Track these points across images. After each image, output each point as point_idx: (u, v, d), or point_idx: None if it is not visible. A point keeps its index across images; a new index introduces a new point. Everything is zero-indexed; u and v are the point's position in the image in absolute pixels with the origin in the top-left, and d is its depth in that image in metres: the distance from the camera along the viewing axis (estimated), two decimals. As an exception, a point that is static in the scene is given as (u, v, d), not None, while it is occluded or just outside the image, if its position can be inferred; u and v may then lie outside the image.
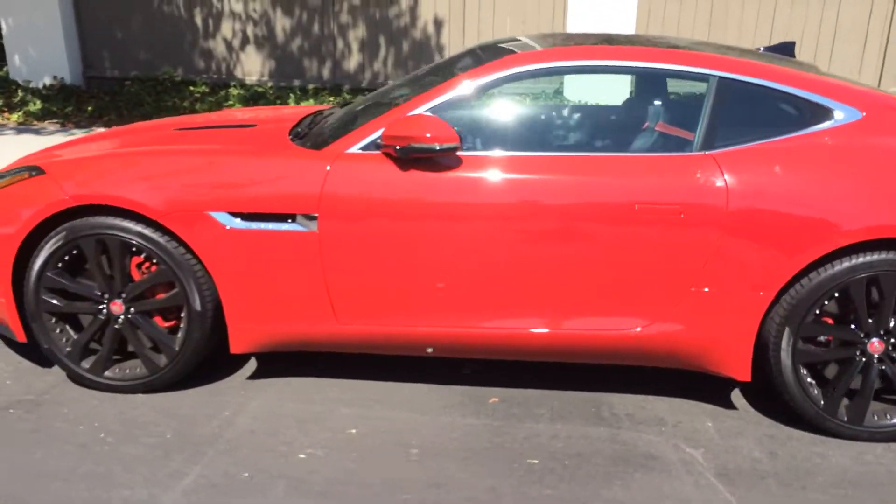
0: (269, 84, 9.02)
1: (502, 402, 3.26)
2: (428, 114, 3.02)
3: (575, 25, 8.26)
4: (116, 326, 3.22)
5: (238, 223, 3.04)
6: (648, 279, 2.94)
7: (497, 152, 3.04)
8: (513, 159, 3.01)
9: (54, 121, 8.30)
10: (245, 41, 9.01)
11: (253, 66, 9.09)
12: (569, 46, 3.20)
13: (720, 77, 3.02)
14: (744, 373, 3.00)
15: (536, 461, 2.85)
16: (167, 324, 3.25)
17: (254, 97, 8.66)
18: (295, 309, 3.13)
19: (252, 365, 3.52)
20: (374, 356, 3.43)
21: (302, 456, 2.87)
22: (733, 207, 2.85)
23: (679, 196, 2.87)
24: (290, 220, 3.03)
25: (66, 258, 3.16)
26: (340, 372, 3.44)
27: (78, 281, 3.20)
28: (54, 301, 3.21)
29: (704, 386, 3.35)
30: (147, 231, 3.08)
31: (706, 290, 2.93)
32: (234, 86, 9.03)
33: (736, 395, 3.34)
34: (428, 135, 2.87)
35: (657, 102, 3.24)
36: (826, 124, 2.95)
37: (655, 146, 3.17)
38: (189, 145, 3.39)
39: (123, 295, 3.19)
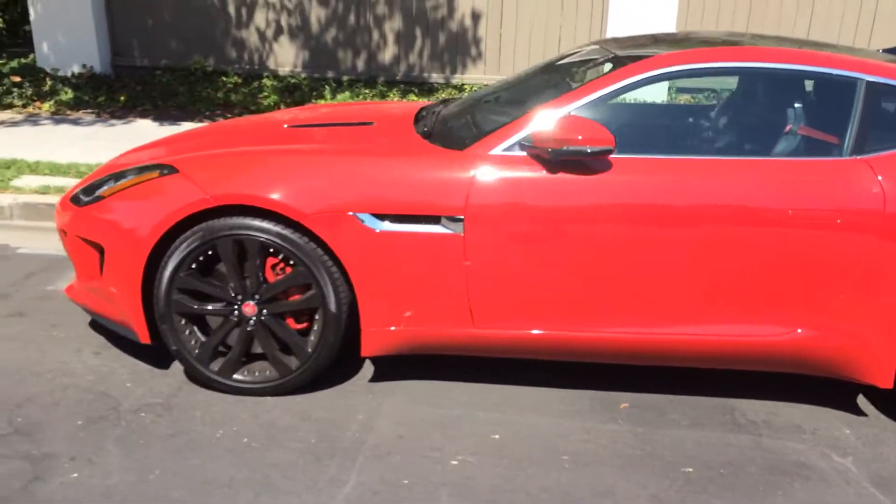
0: (303, 75, 8.92)
1: (633, 408, 3.24)
2: (576, 115, 2.97)
3: (616, 18, 8.24)
4: (249, 328, 3.16)
5: (382, 225, 2.99)
6: (798, 285, 2.94)
7: (646, 154, 3.02)
8: (663, 162, 2.99)
9: (88, 110, 8.15)
10: (279, 31, 8.90)
11: (286, 57, 8.98)
12: (716, 48, 3.18)
13: (869, 81, 3.01)
14: (886, 380, 3.00)
15: (691, 469, 2.84)
16: (298, 326, 3.19)
17: (289, 88, 8.56)
18: (432, 312, 3.09)
19: (368, 367, 3.47)
20: (491, 360, 3.39)
21: (454, 462, 2.84)
22: (890, 212, 2.84)
23: (835, 202, 2.87)
24: (434, 223, 2.98)
25: (201, 259, 3.09)
26: (460, 375, 3.41)
27: (211, 282, 3.13)
28: (186, 302, 3.14)
29: (827, 391, 3.35)
30: (286, 232, 3.02)
31: (857, 296, 2.92)
32: (268, 76, 8.92)
33: (863, 402, 3.34)
34: (582, 137, 2.84)
35: (797, 105, 3.23)
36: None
37: (801, 150, 3.15)
38: (324, 145, 3.33)
39: (257, 296, 3.13)
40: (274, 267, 3.15)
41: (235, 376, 3.22)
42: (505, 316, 3.08)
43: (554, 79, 3.51)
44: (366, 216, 3.00)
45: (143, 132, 7.16)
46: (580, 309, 3.04)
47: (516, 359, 3.37)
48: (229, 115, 7.92)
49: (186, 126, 7.47)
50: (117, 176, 3.32)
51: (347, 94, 8.41)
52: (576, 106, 3.04)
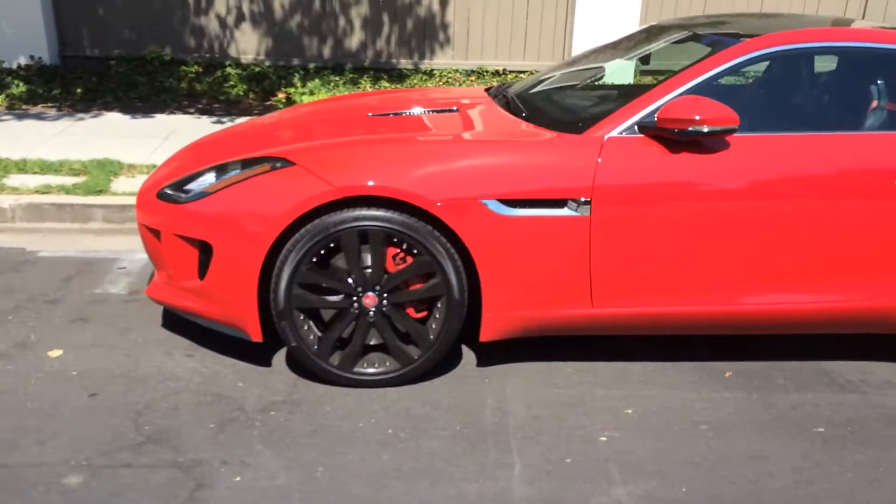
0: (267, 63, 8.70)
1: (736, 376, 3.39)
2: (696, 95, 3.06)
3: (584, 3, 8.39)
4: (370, 320, 3.12)
5: (508, 210, 3.01)
6: None
7: (763, 132, 3.14)
8: (777, 139, 3.12)
9: (46, 104, 7.72)
10: (240, 17, 8.65)
11: (249, 45, 8.74)
12: (821, 28, 3.33)
13: None
14: None
15: (822, 429, 3.00)
16: (418, 315, 3.18)
17: (255, 77, 8.34)
18: (553, 293, 3.14)
19: (468, 354, 3.47)
20: (591, 337, 3.46)
21: (603, 439, 2.91)
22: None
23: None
24: (560, 206, 3.02)
25: (322, 252, 3.03)
26: (564, 355, 3.48)
27: (331, 275, 3.08)
28: (307, 297, 3.07)
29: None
30: (411, 221, 3.00)
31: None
32: (230, 65, 8.67)
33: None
34: (709, 116, 2.93)
35: (880, 82, 3.41)
36: None
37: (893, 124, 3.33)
38: (435, 133, 3.31)
39: (378, 287, 3.09)
40: (394, 257, 3.11)
41: (355, 369, 3.17)
42: (625, 294, 3.16)
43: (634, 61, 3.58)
44: (493, 202, 3.01)
45: (115, 126, 6.86)
46: (696, 284, 3.14)
47: (618, 335, 3.44)
48: (199, 106, 7.66)
49: (161, 118, 7.20)
50: (219, 170, 3.20)
51: (317, 81, 8.26)
52: (689, 86, 3.13)
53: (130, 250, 4.55)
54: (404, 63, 8.83)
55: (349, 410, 3.03)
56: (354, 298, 3.10)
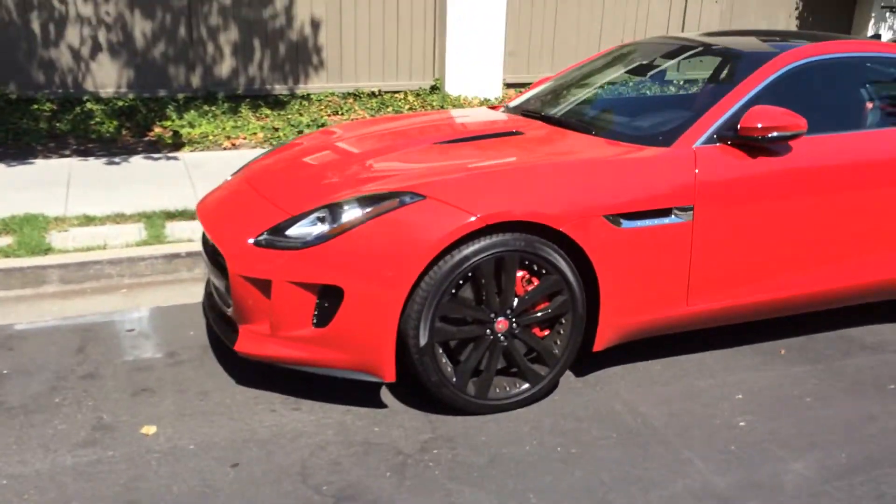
0: (131, 96, 8.14)
1: (790, 352, 3.82)
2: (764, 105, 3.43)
3: (454, 23, 8.71)
4: (504, 345, 3.18)
5: (624, 223, 3.20)
6: None
7: (825, 132, 3.56)
8: (832, 138, 3.56)
9: None
10: (96, 48, 8.02)
11: (107, 77, 8.13)
12: (851, 41, 3.82)
13: None
14: None
15: (893, 386, 3.48)
16: (542, 334, 3.28)
17: (125, 112, 7.77)
18: (656, 297, 3.38)
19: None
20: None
21: (742, 424, 3.19)
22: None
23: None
24: (666, 215, 3.27)
25: (461, 282, 3.05)
26: (645, 354, 3.71)
27: (468, 304, 3.10)
28: (447, 330, 3.07)
29: None
30: (542, 242, 3.10)
31: None
32: (89, 100, 8.01)
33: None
34: (784, 123, 3.32)
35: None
36: None
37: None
38: (536, 157, 3.39)
39: (509, 312, 3.16)
40: (521, 280, 3.18)
41: (489, 395, 3.20)
42: (715, 290, 3.46)
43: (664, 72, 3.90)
44: (611, 217, 3.18)
45: None
46: (778, 274, 3.52)
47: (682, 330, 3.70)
48: (75, 147, 7.01)
49: (42, 164, 6.53)
50: (331, 210, 3.09)
51: (193, 113, 7.87)
52: (749, 97, 3.49)
53: (118, 310, 4.18)
54: (279, 89, 8.63)
55: (504, 437, 3.06)
56: (488, 326, 3.12)
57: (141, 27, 8.03)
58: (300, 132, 7.58)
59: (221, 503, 2.65)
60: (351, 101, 8.65)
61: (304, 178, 3.51)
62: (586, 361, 3.56)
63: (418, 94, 8.95)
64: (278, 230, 3.13)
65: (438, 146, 3.65)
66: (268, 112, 8.13)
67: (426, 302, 2.97)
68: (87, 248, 4.73)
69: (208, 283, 3.91)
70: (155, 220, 5.19)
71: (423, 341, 3.01)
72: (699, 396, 3.37)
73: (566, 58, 9.49)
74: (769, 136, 3.31)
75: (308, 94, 8.65)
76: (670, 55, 4.24)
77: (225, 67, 8.41)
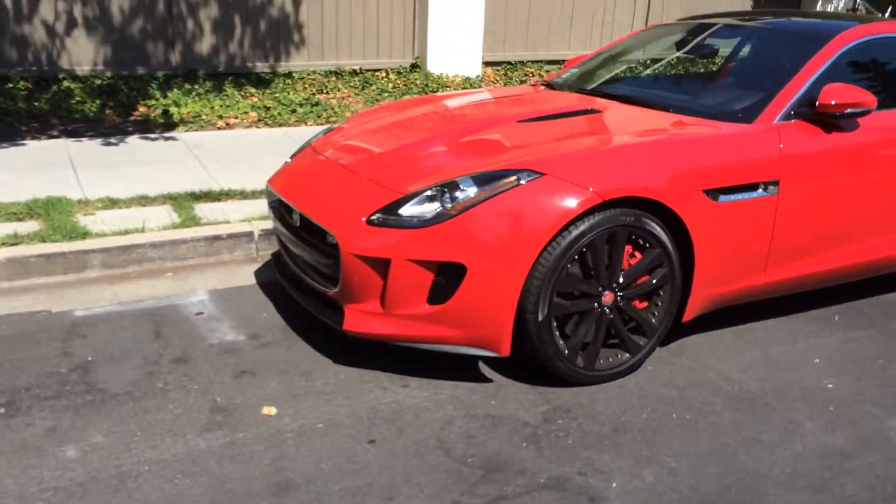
0: (108, 74, 7.87)
1: (841, 318, 4.06)
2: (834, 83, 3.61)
3: (435, 2, 8.71)
4: (610, 317, 3.29)
5: (719, 197, 3.35)
6: None
7: (887, 108, 3.76)
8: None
9: None
10: (72, 24, 7.70)
11: (83, 54, 7.82)
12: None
13: None
14: None
15: None
16: (640, 305, 3.40)
17: (103, 91, 7.51)
18: (741, 268, 3.55)
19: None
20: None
21: (830, 385, 3.40)
22: None
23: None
24: (753, 189, 3.43)
25: (575, 258, 3.14)
26: (700, 325, 3.84)
27: (580, 279, 3.19)
28: (562, 304, 3.16)
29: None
30: (649, 218, 3.22)
31: None
32: (65, 78, 7.70)
33: None
34: (859, 100, 3.51)
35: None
36: None
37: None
38: (633, 136, 3.47)
39: (614, 285, 3.27)
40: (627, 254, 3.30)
41: (596, 366, 3.31)
42: (792, 261, 3.65)
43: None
44: (710, 192, 3.32)
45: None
46: (848, 242, 3.73)
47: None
48: (62, 128, 6.77)
49: (36, 146, 6.28)
50: (446, 189, 3.12)
51: (177, 92, 7.68)
52: (819, 73, 3.66)
53: (175, 294, 4.13)
54: (260, 66, 8.47)
55: (617, 406, 3.18)
56: (596, 299, 3.22)
57: (118, 2, 7.74)
58: (293, 111, 7.49)
59: (373, 477, 2.67)
60: (334, 79, 8.56)
61: (399, 155, 3.52)
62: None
63: (399, 73, 8.93)
64: (392, 209, 3.14)
65: (524, 124, 3.71)
66: (252, 90, 7.98)
67: (545, 277, 3.04)
68: (125, 232, 4.60)
69: (282, 264, 3.87)
70: (182, 202, 5.08)
71: (541, 316, 3.08)
72: (779, 362, 3.55)
73: (540, 37, 9.62)
74: (845, 112, 3.50)
75: (290, 72, 8.51)
76: (719, 34, 4.40)
77: (205, 44, 8.20)
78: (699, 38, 4.50)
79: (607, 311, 3.25)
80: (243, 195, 5.33)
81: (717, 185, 3.31)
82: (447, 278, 3.06)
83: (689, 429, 3.02)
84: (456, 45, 8.93)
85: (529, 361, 3.23)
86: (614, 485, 2.68)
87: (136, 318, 3.82)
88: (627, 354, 3.35)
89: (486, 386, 3.28)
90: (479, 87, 8.77)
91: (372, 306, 3.20)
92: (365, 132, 3.93)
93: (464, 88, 8.63)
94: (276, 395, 3.16)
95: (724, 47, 4.45)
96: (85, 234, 4.52)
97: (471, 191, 3.08)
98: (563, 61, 9.66)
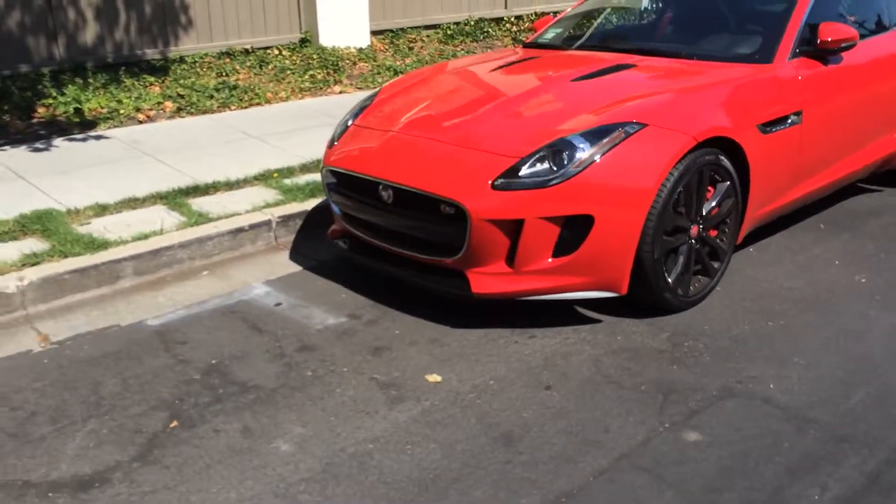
0: (-12, 74, 7.22)
1: (825, 225, 4.76)
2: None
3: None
4: (697, 247, 3.72)
5: (766, 130, 3.87)
6: None
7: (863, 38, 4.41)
8: (867, 42, 4.43)
9: None
10: (-61, 23, 6.98)
11: (-44, 55, 7.12)
12: None
13: None
14: None
15: None
16: (713, 234, 3.85)
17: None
18: (777, 190, 4.09)
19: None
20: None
21: (862, 280, 4.04)
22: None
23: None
24: (786, 121, 3.98)
25: (675, 197, 3.53)
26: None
27: (677, 217, 3.58)
28: (667, 239, 3.55)
29: None
30: (724, 155, 3.67)
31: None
32: (-61, 83, 6.99)
33: None
34: (850, 35, 4.13)
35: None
36: None
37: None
38: (689, 85, 3.85)
39: (699, 219, 3.70)
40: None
41: (690, 293, 3.74)
42: (810, 178, 4.25)
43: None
44: (760, 126, 3.82)
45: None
46: (847, 155, 4.40)
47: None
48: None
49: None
50: (560, 147, 3.37)
51: (73, 88, 7.22)
52: (807, 14, 4.24)
53: (232, 291, 4.08)
54: (151, 53, 8.07)
55: (718, 323, 3.63)
56: (687, 232, 3.63)
57: (-10, -5, 7.06)
58: (211, 97, 7.26)
59: (577, 416, 2.94)
60: (228, 60, 8.32)
61: (482, 122, 3.69)
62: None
63: (293, 49, 8.81)
64: (512, 173, 3.35)
65: (579, 83, 3.99)
66: (151, 79, 7.61)
67: (658, 217, 3.39)
68: (144, 236, 4.42)
69: (360, 244, 3.92)
70: (175, 200, 4.92)
71: (657, 254, 3.44)
72: (810, 267, 4.15)
73: (416, 4, 9.79)
74: (840, 46, 4.10)
75: (181, 57, 8.17)
76: None
77: (89, 34, 7.68)
78: None
79: (694, 242, 3.66)
80: (229, 185, 5.22)
81: (765, 119, 3.80)
82: (573, 230, 3.33)
83: (788, 331, 3.52)
84: (345, 17, 8.92)
85: (640, 297, 3.57)
86: (771, 386, 3.11)
87: (219, 318, 3.76)
88: (707, 278, 3.79)
89: (601, 326, 3.59)
90: (373, 57, 8.83)
91: (498, 267, 3.40)
92: (418, 104, 4.04)
93: (359, 60, 8.67)
94: (427, 364, 3.30)
95: None
96: (106, 244, 4.30)
97: (586, 146, 3.35)
98: (438, 25, 9.97)
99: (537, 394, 3.08)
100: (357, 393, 3.10)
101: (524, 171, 3.35)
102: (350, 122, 4.19)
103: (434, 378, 3.19)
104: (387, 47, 9.36)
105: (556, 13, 10.92)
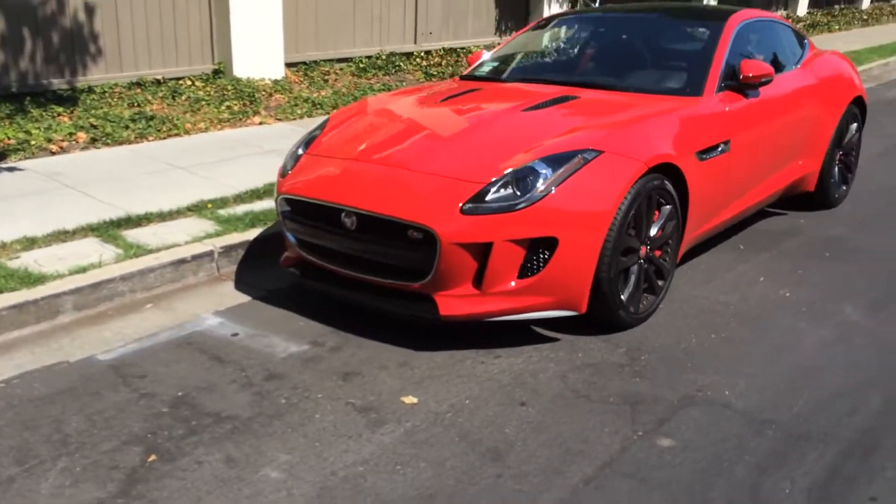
0: None
1: (743, 245, 5.13)
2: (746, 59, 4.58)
3: (236, 6, 8.68)
4: (645, 267, 3.95)
5: (704, 157, 4.16)
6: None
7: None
8: (778, 78, 4.83)
9: None
10: None
11: None
12: (755, 10, 5.09)
13: None
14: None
15: (828, 253, 4.98)
16: (658, 254, 4.09)
17: None
18: (709, 213, 4.39)
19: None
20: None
21: (787, 294, 4.37)
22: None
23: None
24: (715, 150, 4.30)
25: (629, 219, 3.74)
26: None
27: (632, 237, 3.79)
28: (623, 261, 3.75)
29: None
30: (667, 180, 3.93)
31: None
32: None
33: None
34: (768, 71, 4.52)
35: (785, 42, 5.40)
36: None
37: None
38: (632, 115, 4.07)
39: (647, 240, 3.93)
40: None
41: (639, 310, 3.95)
42: (736, 199, 4.58)
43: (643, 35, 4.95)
44: (698, 153, 4.11)
45: None
46: (766, 178, 4.76)
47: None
48: None
49: None
50: (524, 173, 3.52)
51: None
52: (728, 54, 4.61)
53: (183, 322, 3.99)
54: (57, 83, 7.82)
55: (668, 338, 3.83)
56: (638, 252, 3.85)
57: None
58: (126, 128, 7.10)
59: (556, 429, 3.05)
60: (138, 90, 8.14)
61: (442, 150, 3.80)
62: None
63: (206, 80, 8.71)
64: (479, 198, 3.47)
65: (530, 113, 4.16)
66: (59, 110, 7.36)
67: (615, 238, 3.58)
68: (82, 269, 4.28)
69: (316, 272, 3.94)
70: (108, 232, 4.80)
71: (613, 273, 3.62)
72: (738, 284, 4.45)
73: (328, 37, 9.86)
74: (760, 81, 4.46)
75: (90, 87, 7.94)
76: (632, 22, 5.21)
77: (-8, 63, 7.37)
78: (604, 26, 5.25)
79: (643, 262, 3.87)
80: (162, 216, 5.12)
81: (701, 147, 4.08)
82: (537, 252, 3.47)
83: (730, 344, 3.76)
84: (259, 48, 8.90)
85: (597, 315, 3.73)
86: (726, 392, 3.33)
87: (174, 350, 3.68)
88: (653, 296, 4.01)
89: (561, 344, 3.74)
90: (289, 88, 8.84)
91: (464, 289, 3.50)
92: (372, 132, 4.11)
93: (275, 91, 8.66)
94: (401, 387, 3.34)
95: (628, 33, 5.24)
96: (43, 278, 4.14)
97: (548, 172, 3.51)
98: (351, 59, 10.05)
99: (514, 410, 3.17)
100: (336, 418, 3.11)
101: (490, 195, 3.46)
102: (301, 152, 4.21)
103: (410, 399, 3.23)
104: (301, 79, 9.37)
105: (464, 49, 11.25)
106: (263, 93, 8.57)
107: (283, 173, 4.13)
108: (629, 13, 5.31)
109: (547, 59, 5.27)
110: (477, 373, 3.45)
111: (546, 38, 5.38)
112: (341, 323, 3.89)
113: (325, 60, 9.93)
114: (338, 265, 3.83)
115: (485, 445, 2.93)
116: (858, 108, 5.82)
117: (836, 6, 20.31)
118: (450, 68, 10.59)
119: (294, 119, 7.97)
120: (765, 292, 4.34)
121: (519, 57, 5.33)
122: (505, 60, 5.29)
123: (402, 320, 3.76)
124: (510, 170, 3.53)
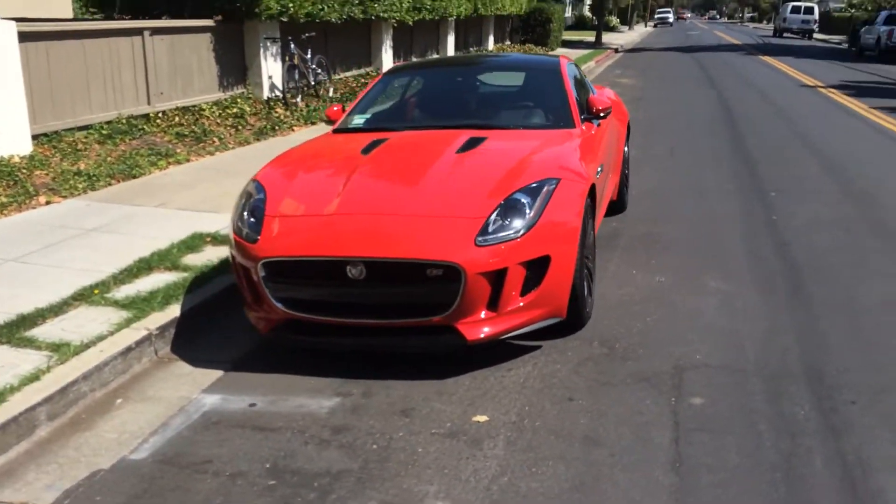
0: None
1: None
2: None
3: None
4: (587, 271, 4.72)
5: (597, 174, 5.08)
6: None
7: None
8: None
9: None
10: None
11: None
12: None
13: None
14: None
15: (774, 193, 6.22)
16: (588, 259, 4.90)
17: None
18: (599, 218, 5.35)
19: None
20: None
21: (661, 280, 5.47)
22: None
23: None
24: (602, 167, 5.26)
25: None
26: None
27: (584, 246, 4.53)
28: (586, 265, 4.50)
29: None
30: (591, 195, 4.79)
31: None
32: None
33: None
34: (609, 103, 5.61)
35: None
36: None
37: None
38: (547, 147, 4.78)
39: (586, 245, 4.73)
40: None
41: (590, 309, 4.71)
42: (601, 210, 5.57)
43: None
44: (597, 172, 5.00)
45: None
46: (608, 191, 5.80)
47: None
48: None
49: None
50: (512, 204, 4.08)
51: None
52: (572, 87, 5.60)
53: (178, 410, 3.84)
54: None
55: (619, 323, 4.64)
56: (585, 257, 4.59)
57: None
58: None
59: (621, 409, 3.65)
60: None
61: (421, 190, 4.17)
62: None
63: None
64: (484, 231, 3.92)
65: (462, 154, 4.66)
66: None
67: (580, 248, 4.28)
68: (34, 377, 3.90)
69: (313, 328, 4.06)
70: (16, 336, 4.38)
71: (581, 278, 4.33)
72: (623, 277, 5.38)
73: (66, 105, 9.19)
74: (606, 112, 5.49)
75: None
76: (480, 67, 5.94)
77: None
78: (463, 73, 5.93)
79: (588, 267, 4.62)
80: (54, 311, 4.71)
81: (597, 166, 4.96)
82: (536, 270, 4.04)
83: (661, 323, 4.64)
84: (1, 124, 8.12)
85: (573, 318, 4.35)
86: (698, 357, 4.18)
87: (208, 432, 3.57)
88: (590, 297, 4.77)
89: (547, 350, 4.29)
90: (47, 163, 8.15)
91: (481, 314, 3.93)
92: (327, 190, 4.28)
93: (34, 168, 7.93)
94: (461, 411, 3.66)
95: (488, 77, 5.97)
96: (1, 395, 3.74)
97: (530, 201, 4.08)
98: (92, 126, 9.38)
99: (568, 405, 3.68)
100: (436, 447, 3.35)
101: (492, 227, 3.93)
102: (254, 219, 4.20)
103: (482, 418, 3.58)
104: (52, 152, 8.65)
105: (195, 106, 11.02)
106: (23, 171, 7.82)
107: (252, 239, 4.10)
108: (464, 65, 6.05)
109: (424, 108, 5.79)
110: (508, 384, 3.89)
111: (408, 89, 5.89)
112: (346, 372, 4.03)
113: (65, 130, 9.23)
114: (341, 316, 3.97)
115: (577, 436, 3.41)
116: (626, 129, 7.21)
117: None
118: (192, 127, 10.45)
119: (79, 195, 7.45)
120: (645, 281, 5.32)
121: (391, 107, 5.77)
122: (377, 113, 5.69)
123: (395, 356, 4.09)
124: (499, 203, 4.03)
